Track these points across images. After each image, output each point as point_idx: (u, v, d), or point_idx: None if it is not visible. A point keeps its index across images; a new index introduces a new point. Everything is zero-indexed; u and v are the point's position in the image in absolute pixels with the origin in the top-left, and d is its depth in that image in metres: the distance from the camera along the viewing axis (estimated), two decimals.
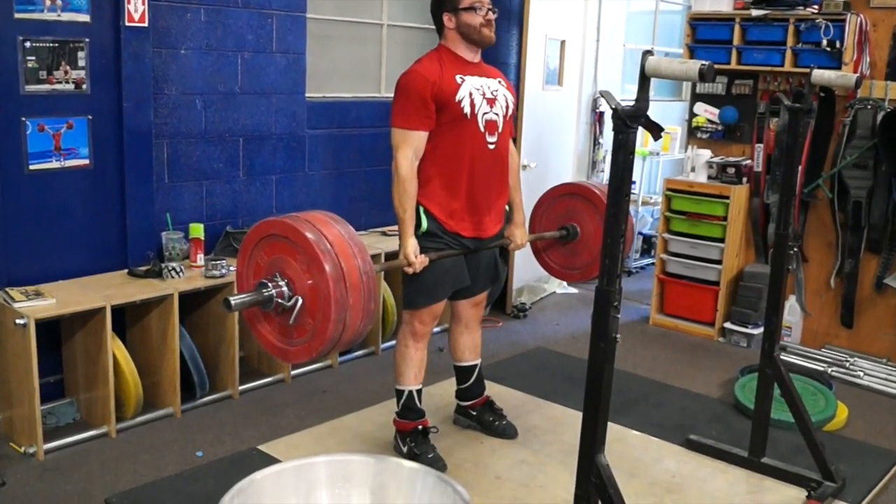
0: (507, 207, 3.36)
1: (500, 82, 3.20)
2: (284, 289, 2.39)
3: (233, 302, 2.35)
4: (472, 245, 3.17)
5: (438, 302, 3.19)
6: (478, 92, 3.08)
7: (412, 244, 3.00)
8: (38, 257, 3.60)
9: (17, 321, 3.21)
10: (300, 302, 2.35)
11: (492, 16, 3.09)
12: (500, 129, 3.15)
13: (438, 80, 3.00)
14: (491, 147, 3.13)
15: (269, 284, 2.40)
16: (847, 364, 4.65)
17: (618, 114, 1.97)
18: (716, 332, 5.16)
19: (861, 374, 4.54)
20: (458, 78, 3.05)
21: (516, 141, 5.32)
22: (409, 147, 3.00)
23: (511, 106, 3.21)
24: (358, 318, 2.39)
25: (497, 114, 3.13)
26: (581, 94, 6.13)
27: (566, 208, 3.68)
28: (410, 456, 3.20)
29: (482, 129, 3.09)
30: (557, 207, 3.71)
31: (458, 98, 3.02)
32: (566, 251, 3.71)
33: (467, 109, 3.04)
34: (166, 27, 3.86)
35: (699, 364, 4.74)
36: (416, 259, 2.99)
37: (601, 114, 6.38)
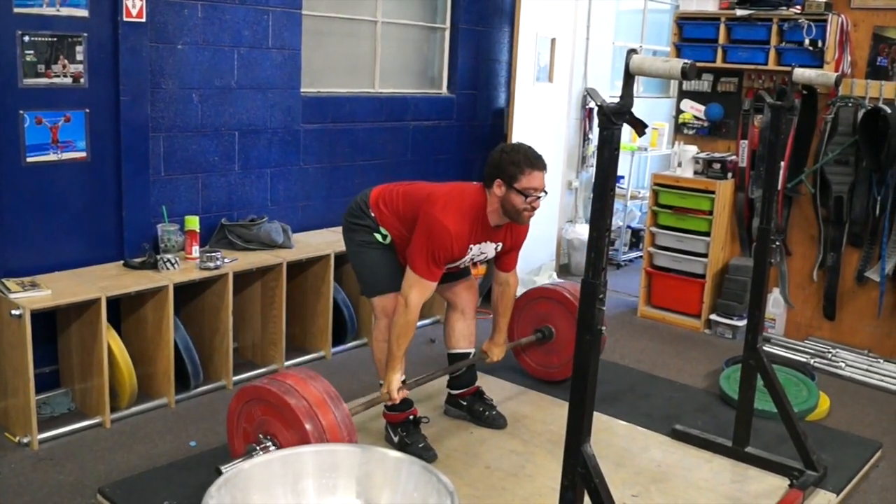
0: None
1: (497, 247, 3.28)
2: (272, 449, 2.55)
3: (224, 470, 2.44)
4: None
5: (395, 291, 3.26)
6: (470, 258, 3.23)
7: (397, 381, 3.13)
8: (34, 249, 3.63)
9: (13, 312, 3.24)
10: None
11: (538, 203, 3.10)
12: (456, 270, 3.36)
13: (458, 246, 3.09)
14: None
15: (258, 448, 2.56)
16: (829, 355, 4.73)
17: (603, 111, 2.01)
18: (702, 324, 5.24)
19: (843, 365, 4.63)
20: (469, 247, 3.15)
21: (505, 136, 5.40)
22: (423, 293, 3.10)
23: (490, 255, 3.31)
24: None
25: (463, 267, 3.35)
26: (571, 90, 6.19)
27: (541, 311, 3.96)
28: (401, 445, 3.26)
29: (444, 271, 3.23)
30: (533, 310, 3.99)
31: (455, 261, 3.18)
32: (543, 351, 4.01)
33: (450, 267, 3.22)
34: (163, 22, 3.90)
35: (685, 355, 4.82)
36: (398, 394, 3.13)
37: (590, 110, 6.44)
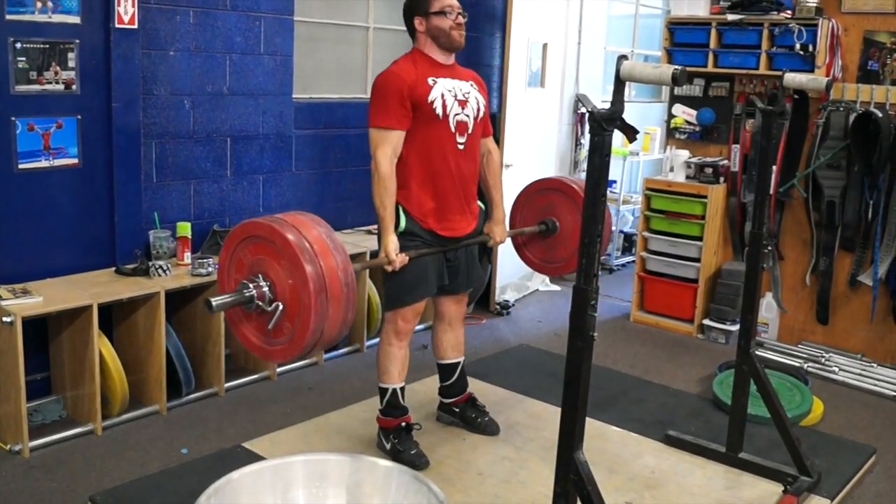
0: (481, 205, 3.40)
1: (471, 85, 3.25)
2: (266, 290, 2.37)
3: (214, 303, 2.33)
4: (449, 243, 3.23)
5: (420, 300, 3.23)
6: (450, 94, 3.12)
7: (392, 242, 3.03)
8: (26, 255, 3.62)
9: (4, 319, 3.23)
10: (280, 307, 2.36)
11: (461, 20, 3.13)
12: (469, 131, 3.20)
13: (412, 80, 3.05)
14: (460, 147, 3.18)
15: (251, 285, 2.39)
16: (823, 360, 4.73)
17: (594, 117, 2.02)
18: (695, 329, 5.25)
19: (836, 369, 4.63)
20: (430, 80, 3.09)
21: (498, 140, 5.40)
22: (389, 146, 3.04)
23: (482, 108, 3.26)
24: (335, 328, 2.41)
25: (468, 115, 3.18)
26: (563, 95, 6.20)
27: (545, 203, 3.73)
28: (394, 452, 3.25)
29: (452, 129, 3.14)
30: (537, 202, 3.76)
31: (430, 99, 3.07)
32: (545, 245, 3.76)
33: (439, 111, 3.08)
34: (155, 29, 3.90)
35: (679, 360, 4.82)
36: (396, 257, 3.03)
37: (582, 115, 6.45)
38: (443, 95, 3.10)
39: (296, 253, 2.31)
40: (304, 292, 2.30)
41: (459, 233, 3.25)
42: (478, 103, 3.23)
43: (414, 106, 3.05)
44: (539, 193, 3.76)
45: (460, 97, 3.16)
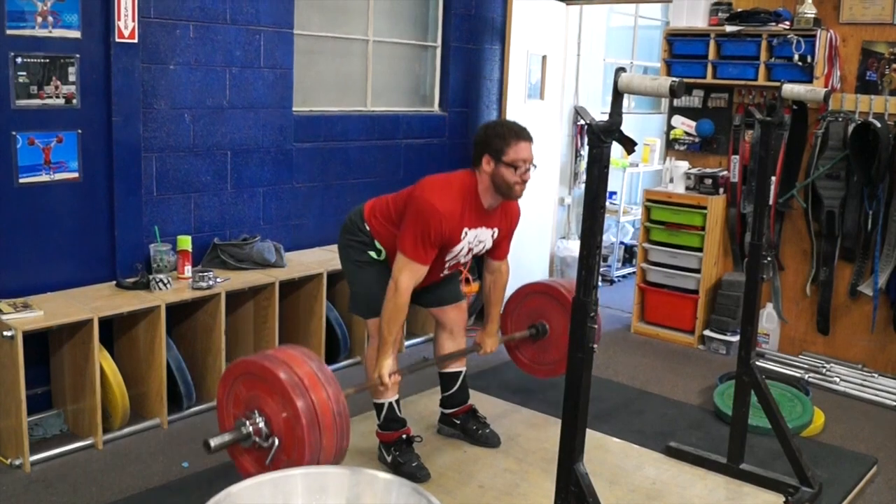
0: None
1: (493, 234, 3.26)
2: (262, 426, 2.47)
3: (213, 444, 2.42)
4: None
5: None
6: (468, 245, 3.19)
7: (388, 365, 3.09)
8: (26, 270, 3.62)
9: (5, 333, 3.23)
10: (276, 443, 2.43)
11: (529, 176, 3.08)
12: (460, 266, 3.32)
13: (452, 227, 3.06)
14: (441, 275, 3.30)
15: (248, 422, 2.48)
16: (824, 370, 4.73)
17: (592, 129, 2.02)
18: (695, 340, 5.24)
19: (837, 379, 4.63)
20: (464, 231, 3.12)
21: None
22: (413, 275, 3.06)
23: (488, 244, 3.29)
24: (330, 457, 2.47)
25: (467, 258, 3.28)
26: (563, 107, 6.22)
27: (535, 306, 3.88)
28: (395, 465, 3.25)
29: (445, 267, 3.24)
30: (527, 305, 3.92)
31: (452, 249, 3.15)
32: (536, 347, 3.92)
33: (449, 258, 3.19)
34: (156, 43, 3.92)
35: (679, 371, 4.81)
36: (390, 379, 3.09)
37: (582, 126, 6.47)
38: (462, 249, 3.18)
39: (287, 390, 2.41)
40: (297, 426, 2.40)
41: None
42: (483, 248, 3.29)
43: (440, 247, 3.12)
44: (529, 296, 3.92)
45: (473, 246, 3.23)
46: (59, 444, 3.51)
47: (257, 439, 2.44)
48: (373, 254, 3.27)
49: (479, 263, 3.57)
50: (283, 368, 2.45)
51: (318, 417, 2.41)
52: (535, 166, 3.09)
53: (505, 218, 3.28)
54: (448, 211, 3.02)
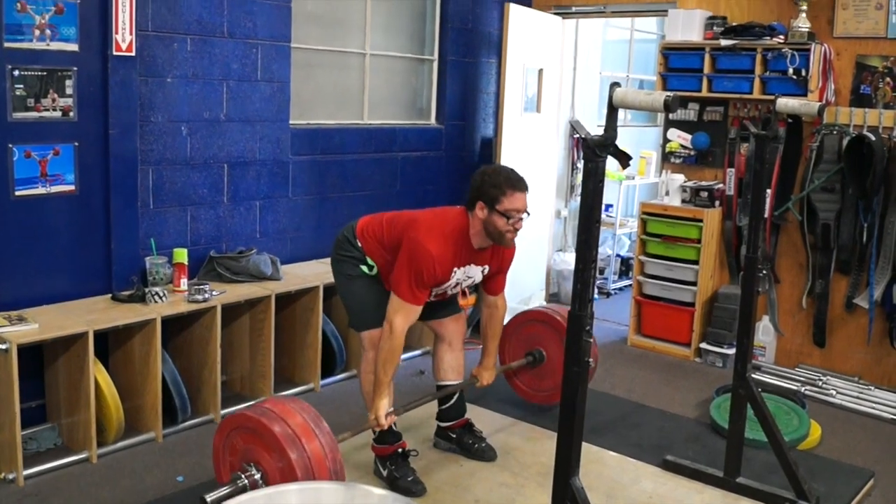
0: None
1: (483, 270, 3.29)
2: (258, 478, 2.51)
3: (209, 499, 2.45)
4: None
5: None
6: (456, 282, 3.22)
7: (384, 406, 3.12)
8: (22, 282, 3.62)
9: (0, 346, 3.22)
10: None
11: (520, 225, 3.12)
12: (446, 297, 3.36)
13: (444, 269, 3.11)
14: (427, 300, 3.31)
15: (244, 475, 2.53)
16: (820, 383, 4.73)
17: (587, 143, 2.03)
18: (692, 353, 5.24)
19: (834, 392, 4.62)
20: (454, 270, 3.16)
21: None
22: (407, 317, 3.11)
23: (478, 279, 3.32)
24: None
25: (454, 291, 3.31)
26: (559, 120, 6.24)
27: (532, 333, 3.95)
28: (391, 479, 3.24)
29: (432, 298, 3.26)
30: (523, 332, 3.98)
31: (442, 285, 3.18)
32: (534, 375, 3.99)
33: (436, 292, 3.23)
34: (153, 56, 3.93)
35: (676, 384, 4.81)
36: (386, 420, 3.12)
37: (578, 140, 6.49)
38: (450, 284, 3.21)
39: (281, 443, 2.47)
40: (292, 479, 2.45)
41: None
42: (473, 283, 3.33)
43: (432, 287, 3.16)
44: (525, 324, 3.98)
45: (461, 281, 3.26)
46: (53, 458, 3.49)
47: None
48: (364, 268, 3.29)
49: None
50: (278, 423, 2.51)
51: (313, 468, 2.47)
52: (528, 214, 3.13)
53: (496, 257, 3.30)
54: (441, 255, 3.07)
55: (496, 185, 3.05)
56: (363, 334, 3.32)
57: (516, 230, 3.11)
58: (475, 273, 3.27)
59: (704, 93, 5.07)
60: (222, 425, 2.68)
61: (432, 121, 5.59)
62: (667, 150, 5.55)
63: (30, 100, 3.51)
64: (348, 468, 3.42)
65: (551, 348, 3.89)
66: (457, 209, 3.23)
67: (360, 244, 3.28)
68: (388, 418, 3.13)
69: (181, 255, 3.98)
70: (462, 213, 3.18)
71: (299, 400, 2.70)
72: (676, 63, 5.19)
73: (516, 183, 3.08)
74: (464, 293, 3.38)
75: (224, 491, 2.49)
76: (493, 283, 3.40)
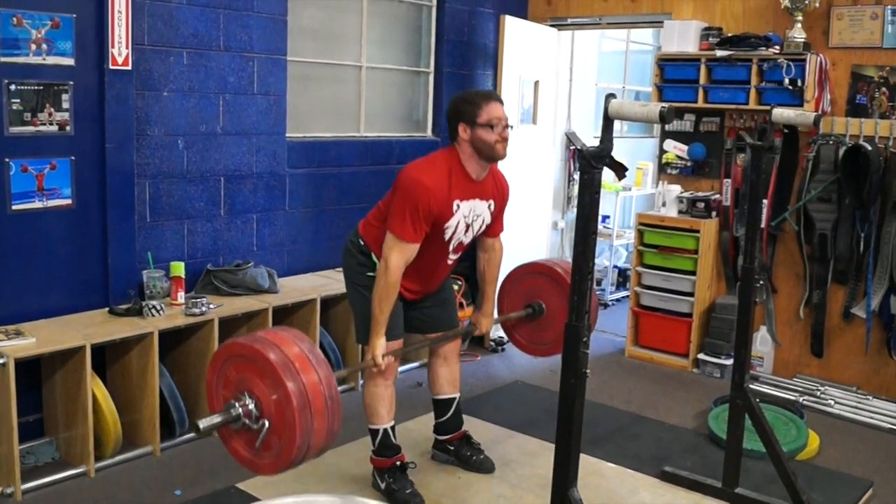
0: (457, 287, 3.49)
1: (489, 205, 3.28)
2: (252, 407, 2.42)
3: (202, 425, 2.39)
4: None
5: (395, 338, 3.25)
6: (464, 220, 3.19)
7: (381, 345, 3.09)
8: (19, 296, 3.61)
9: None
10: (266, 425, 2.40)
11: (507, 133, 3.13)
12: (464, 248, 3.32)
13: (441, 202, 3.07)
14: (450, 262, 3.31)
15: (237, 404, 2.44)
16: (818, 393, 4.72)
17: (583, 155, 2.04)
18: (690, 364, 5.24)
19: (832, 402, 4.62)
20: (455, 204, 3.13)
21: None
22: (403, 255, 3.08)
23: (486, 223, 3.31)
24: (321, 441, 2.44)
25: (468, 236, 3.28)
26: (555, 131, 6.26)
27: (532, 286, 3.84)
28: (389, 492, 3.24)
29: (451, 249, 3.25)
30: (523, 285, 3.87)
31: (446, 225, 3.14)
32: (533, 327, 3.86)
33: (448, 235, 3.18)
34: (149, 70, 3.94)
35: (674, 395, 4.80)
36: (383, 360, 3.09)
37: (575, 151, 6.49)
38: (458, 223, 3.17)
39: (277, 371, 2.37)
40: (287, 409, 2.36)
41: (423, 295, 3.38)
42: (483, 223, 3.29)
43: (432, 223, 3.11)
44: (525, 277, 3.88)
45: (470, 221, 3.23)
46: (50, 472, 3.48)
47: (247, 421, 2.39)
48: (371, 273, 3.23)
49: (474, 288, 3.57)
50: (274, 350, 2.39)
51: (309, 400, 2.35)
52: (511, 126, 3.16)
53: (497, 188, 3.30)
54: (435, 184, 3.04)
55: (470, 102, 3.11)
56: (366, 348, 3.31)
57: (504, 139, 3.12)
58: (482, 209, 3.24)
59: (700, 103, 5.08)
60: (215, 357, 2.56)
61: (429, 133, 5.60)
62: (663, 160, 5.57)
63: (26, 114, 3.52)
64: (345, 481, 3.42)
65: (551, 300, 3.73)
66: (443, 149, 3.25)
67: (362, 241, 3.26)
68: (385, 359, 3.09)
69: (178, 268, 3.98)
70: (450, 149, 3.19)
71: (295, 329, 2.57)
72: (672, 74, 5.21)
73: (489, 95, 3.18)
74: (461, 305, 3.36)
75: (217, 419, 2.41)
76: (492, 225, 3.39)
